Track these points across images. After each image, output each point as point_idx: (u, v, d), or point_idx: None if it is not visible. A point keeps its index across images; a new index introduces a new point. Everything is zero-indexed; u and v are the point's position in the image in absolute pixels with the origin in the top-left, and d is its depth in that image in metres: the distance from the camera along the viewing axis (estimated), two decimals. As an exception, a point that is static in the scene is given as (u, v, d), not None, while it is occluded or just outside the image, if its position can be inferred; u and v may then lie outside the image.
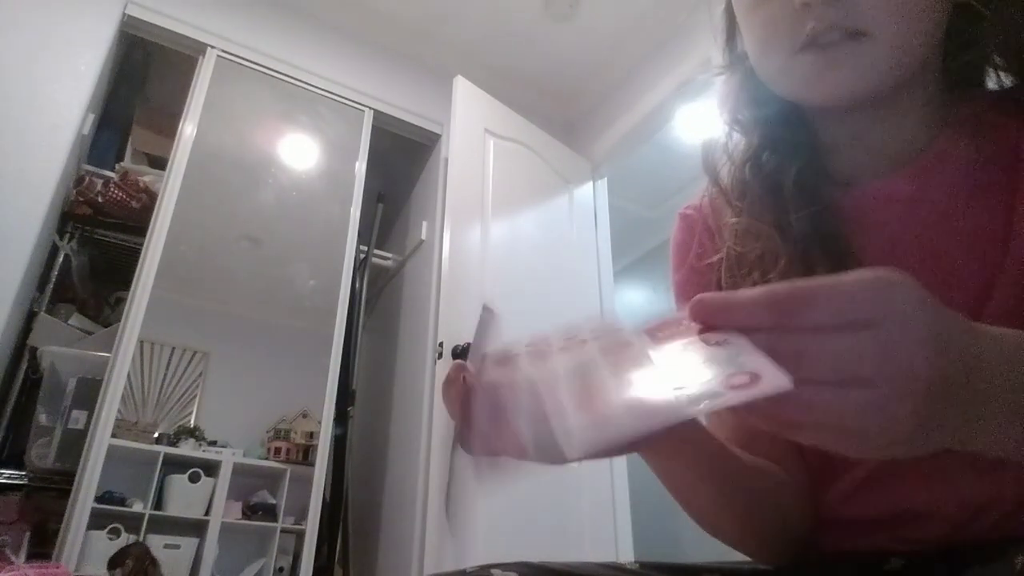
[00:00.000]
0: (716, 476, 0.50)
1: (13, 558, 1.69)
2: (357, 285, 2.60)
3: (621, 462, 2.36)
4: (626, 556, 2.13)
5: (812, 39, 0.49)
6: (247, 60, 2.47)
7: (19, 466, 1.92)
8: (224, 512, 2.10)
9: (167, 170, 2.19)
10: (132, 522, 1.95)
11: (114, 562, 1.63)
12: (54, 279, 2.13)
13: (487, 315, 0.43)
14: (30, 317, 2.05)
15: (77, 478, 1.77)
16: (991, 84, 0.57)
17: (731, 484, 0.51)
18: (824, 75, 0.50)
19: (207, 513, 2.08)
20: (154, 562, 1.67)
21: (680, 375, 0.28)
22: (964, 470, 0.47)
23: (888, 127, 0.55)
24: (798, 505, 0.54)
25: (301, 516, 2.14)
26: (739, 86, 0.62)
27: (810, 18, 0.48)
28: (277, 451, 2.27)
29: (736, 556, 0.62)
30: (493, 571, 0.47)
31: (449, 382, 0.40)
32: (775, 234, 0.55)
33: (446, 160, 2.50)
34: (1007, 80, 0.54)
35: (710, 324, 0.30)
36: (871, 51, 0.48)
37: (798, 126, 0.60)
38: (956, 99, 0.55)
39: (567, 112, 3.10)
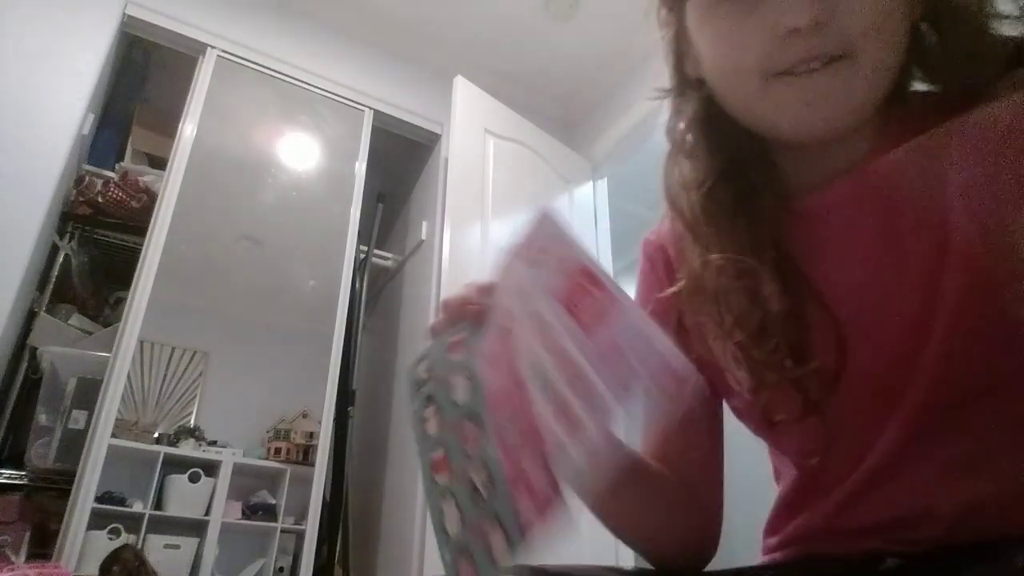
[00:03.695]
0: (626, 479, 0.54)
1: (13, 558, 1.69)
2: (357, 285, 2.60)
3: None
4: (626, 558, 2.12)
5: (791, 69, 0.45)
6: (247, 60, 2.47)
7: (19, 466, 1.92)
8: (224, 512, 2.10)
9: (167, 170, 2.19)
10: (132, 522, 1.95)
11: (104, 568, 1.62)
12: (54, 279, 2.13)
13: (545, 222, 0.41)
14: (30, 317, 2.05)
15: (77, 478, 1.77)
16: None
17: (633, 484, 0.56)
18: (803, 107, 0.46)
19: (207, 513, 2.08)
20: (144, 564, 1.66)
21: None
22: (959, 471, 0.47)
23: (839, 141, 0.53)
24: (687, 513, 0.58)
25: (301, 516, 2.14)
26: (689, 112, 0.58)
27: (796, 47, 0.44)
28: (277, 451, 2.27)
29: (736, 559, 0.63)
30: None
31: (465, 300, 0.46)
32: (729, 266, 0.54)
33: (446, 160, 2.50)
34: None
35: None
36: (852, 77, 0.45)
37: (750, 151, 0.57)
38: (895, 102, 0.52)
39: (567, 112, 3.10)
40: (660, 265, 0.65)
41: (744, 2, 0.46)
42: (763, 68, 0.47)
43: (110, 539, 1.85)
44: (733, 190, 0.56)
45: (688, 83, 0.58)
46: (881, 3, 0.44)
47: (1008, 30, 0.46)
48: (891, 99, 0.49)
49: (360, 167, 2.57)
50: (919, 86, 0.53)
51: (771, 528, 0.61)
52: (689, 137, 0.59)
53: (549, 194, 2.65)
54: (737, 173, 0.56)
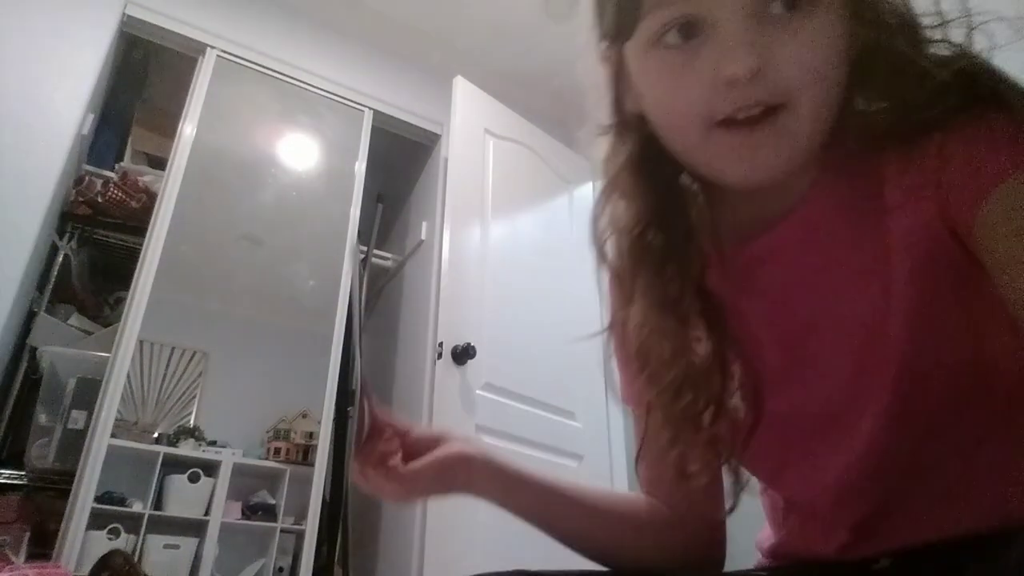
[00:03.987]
0: (566, 515, 0.60)
1: (13, 558, 1.69)
2: (357, 285, 2.60)
3: (621, 469, 2.37)
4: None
5: (732, 117, 0.45)
6: (247, 60, 2.47)
7: (19, 466, 1.92)
8: (224, 512, 2.10)
9: (167, 170, 2.19)
10: (132, 522, 1.95)
11: (93, 573, 1.61)
12: (54, 279, 2.13)
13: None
14: (30, 317, 2.05)
15: (77, 478, 1.77)
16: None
17: (586, 521, 0.60)
18: (745, 156, 0.46)
19: (207, 513, 2.08)
20: (133, 568, 1.64)
21: None
22: (940, 505, 0.48)
23: (780, 185, 0.52)
24: (659, 538, 0.60)
25: (301, 516, 2.14)
26: (626, 152, 0.57)
27: (734, 96, 0.44)
28: (277, 451, 2.27)
29: (737, 563, 0.63)
30: None
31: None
32: (649, 323, 0.54)
33: (446, 160, 2.50)
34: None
35: None
36: (791, 125, 0.45)
37: (688, 193, 0.57)
38: (835, 138, 0.50)
39: (567, 112, 3.09)
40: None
41: (683, 51, 0.46)
42: (704, 116, 0.46)
43: (110, 539, 1.85)
44: (665, 236, 0.55)
45: (626, 121, 0.57)
46: (819, 53, 0.43)
47: (942, 51, 0.45)
48: (831, 136, 0.48)
49: (360, 167, 2.57)
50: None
51: (763, 539, 0.64)
52: (625, 176, 0.57)
53: (549, 194, 2.65)
54: (671, 217, 0.55)
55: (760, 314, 0.54)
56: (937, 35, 0.46)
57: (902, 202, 0.46)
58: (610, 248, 0.59)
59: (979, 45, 0.45)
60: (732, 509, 0.58)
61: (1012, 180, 0.39)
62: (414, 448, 0.59)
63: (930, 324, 0.45)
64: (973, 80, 0.43)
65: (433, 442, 0.60)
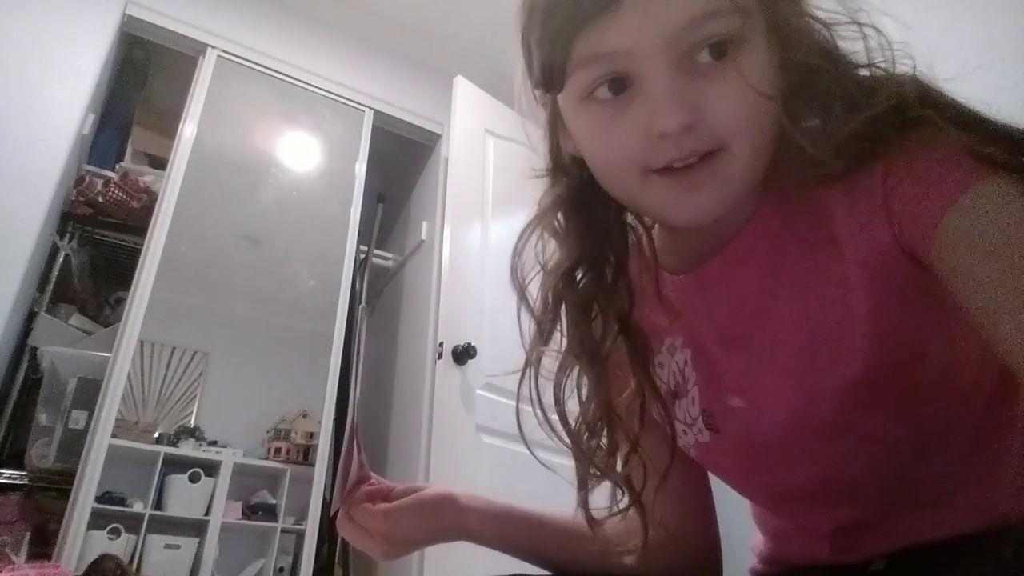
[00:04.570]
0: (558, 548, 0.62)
1: (13, 558, 1.69)
2: (357, 285, 2.60)
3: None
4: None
5: (667, 165, 0.45)
6: (247, 60, 2.47)
7: (19, 466, 1.92)
8: (224, 512, 2.10)
9: (167, 170, 2.19)
10: (132, 522, 1.95)
11: None
12: (54, 279, 2.13)
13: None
14: (30, 317, 2.05)
15: (77, 478, 1.77)
16: None
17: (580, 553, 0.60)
18: (683, 199, 0.46)
19: (207, 513, 2.08)
20: (125, 572, 1.63)
21: None
22: (950, 515, 0.48)
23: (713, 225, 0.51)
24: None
25: (301, 516, 2.14)
26: (563, 192, 0.57)
27: (667, 149, 0.44)
28: (277, 451, 2.27)
29: (737, 561, 0.63)
30: None
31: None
32: (577, 361, 0.54)
33: (446, 160, 2.50)
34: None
35: None
36: (729, 166, 0.45)
37: (619, 236, 0.57)
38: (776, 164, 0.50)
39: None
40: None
41: (614, 104, 0.46)
42: (639, 165, 0.46)
43: (110, 539, 1.85)
44: (593, 275, 0.55)
45: (563, 165, 0.57)
46: (749, 96, 0.43)
47: (870, 79, 0.46)
48: (771, 171, 0.49)
49: (360, 167, 2.57)
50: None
51: (756, 544, 0.64)
52: (559, 217, 0.57)
53: (549, 194, 2.65)
54: (602, 255, 0.55)
55: (711, 335, 0.55)
56: (863, 64, 0.46)
57: (855, 232, 0.45)
58: (536, 288, 0.58)
59: (904, 70, 0.45)
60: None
61: (961, 203, 0.39)
62: (398, 499, 0.61)
63: (892, 337, 0.45)
64: (905, 104, 0.43)
65: (416, 491, 0.62)
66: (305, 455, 2.25)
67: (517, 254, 0.58)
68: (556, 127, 0.56)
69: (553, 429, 0.55)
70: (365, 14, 2.73)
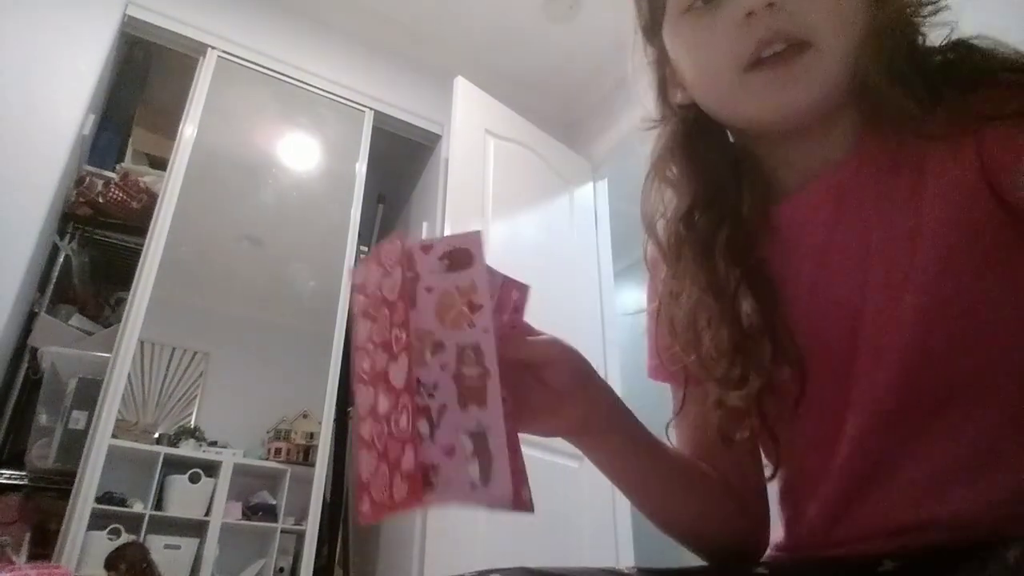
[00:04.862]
0: (652, 466, 0.55)
1: (14, 558, 1.69)
2: (357, 285, 2.60)
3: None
4: (626, 561, 2.12)
5: (758, 55, 0.49)
6: (247, 60, 2.47)
7: (19, 466, 1.92)
8: (224, 513, 2.11)
9: (167, 170, 2.19)
10: (132, 522, 1.95)
11: (109, 563, 1.62)
12: (54, 279, 2.13)
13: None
14: (30, 317, 2.05)
15: (77, 478, 1.77)
16: None
17: (666, 474, 0.56)
18: (777, 92, 0.50)
19: (207, 514, 2.09)
20: (150, 564, 1.66)
21: None
22: (951, 484, 0.47)
23: (813, 141, 0.55)
24: (723, 506, 0.58)
25: (301, 516, 2.14)
26: (672, 139, 0.61)
27: (755, 29, 0.48)
28: (277, 451, 2.27)
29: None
30: (492, 575, 0.47)
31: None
32: (706, 297, 0.55)
33: (446, 161, 2.50)
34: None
35: None
36: (818, 63, 0.48)
37: (731, 170, 0.59)
38: (867, 102, 0.53)
39: (567, 112, 3.10)
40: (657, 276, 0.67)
41: (708, 9, 0.51)
42: (734, 62, 0.50)
43: (110, 539, 1.85)
44: (710, 217, 0.57)
45: (672, 111, 0.61)
46: None
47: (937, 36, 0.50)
48: (865, 116, 0.52)
49: (360, 168, 2.57)
50: None
51: (774, 538, 0.62)
52: (672, 166, 0.61)
53: (549, 195, 2.65)
54: (718, 198, 0.58)
55: (796, 281, 0.55)
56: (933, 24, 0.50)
57: (947, 168, 0.48)
58: (660, 233, 0.61)
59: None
60: (772, 477, 0.58)
61: None
62: None
63: (959, 279, 0.47)
64: (992, 62, 0.47)
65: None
66: (305, 455, 2.25)
67: (642, 203, 0.64)
68: (664, 75, 0.61)
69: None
70: (365, 15, 2.74)
